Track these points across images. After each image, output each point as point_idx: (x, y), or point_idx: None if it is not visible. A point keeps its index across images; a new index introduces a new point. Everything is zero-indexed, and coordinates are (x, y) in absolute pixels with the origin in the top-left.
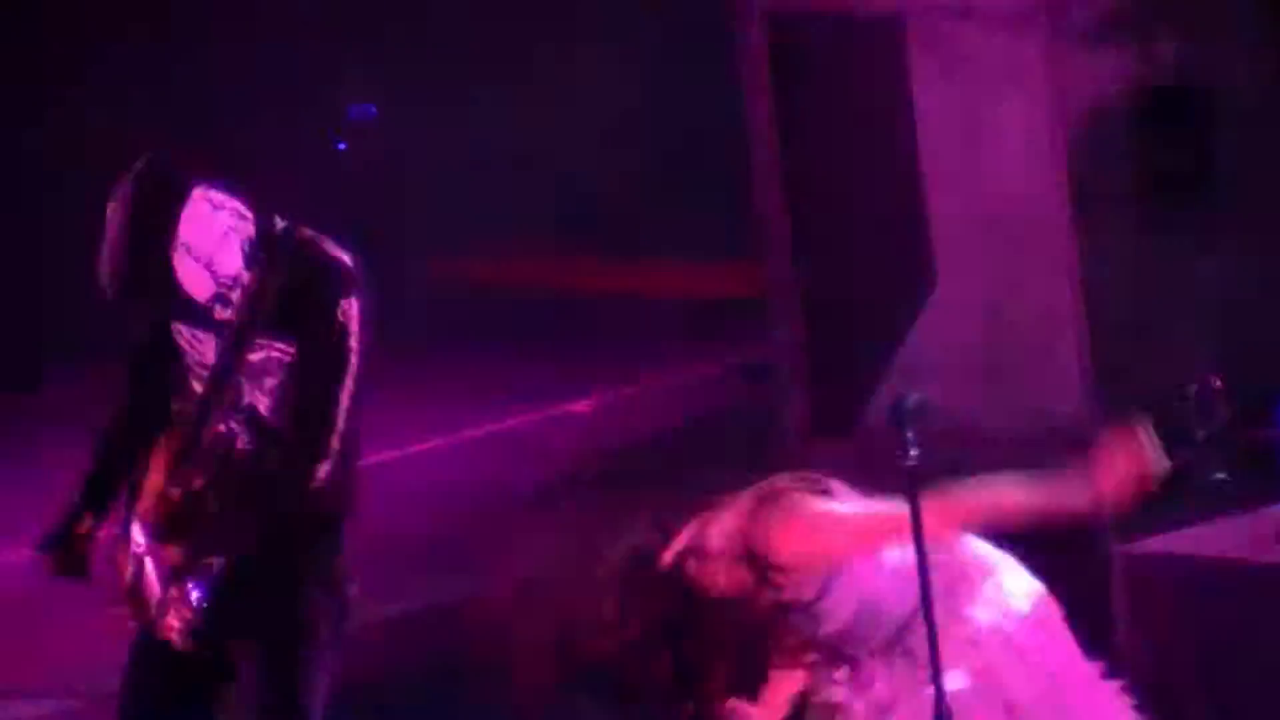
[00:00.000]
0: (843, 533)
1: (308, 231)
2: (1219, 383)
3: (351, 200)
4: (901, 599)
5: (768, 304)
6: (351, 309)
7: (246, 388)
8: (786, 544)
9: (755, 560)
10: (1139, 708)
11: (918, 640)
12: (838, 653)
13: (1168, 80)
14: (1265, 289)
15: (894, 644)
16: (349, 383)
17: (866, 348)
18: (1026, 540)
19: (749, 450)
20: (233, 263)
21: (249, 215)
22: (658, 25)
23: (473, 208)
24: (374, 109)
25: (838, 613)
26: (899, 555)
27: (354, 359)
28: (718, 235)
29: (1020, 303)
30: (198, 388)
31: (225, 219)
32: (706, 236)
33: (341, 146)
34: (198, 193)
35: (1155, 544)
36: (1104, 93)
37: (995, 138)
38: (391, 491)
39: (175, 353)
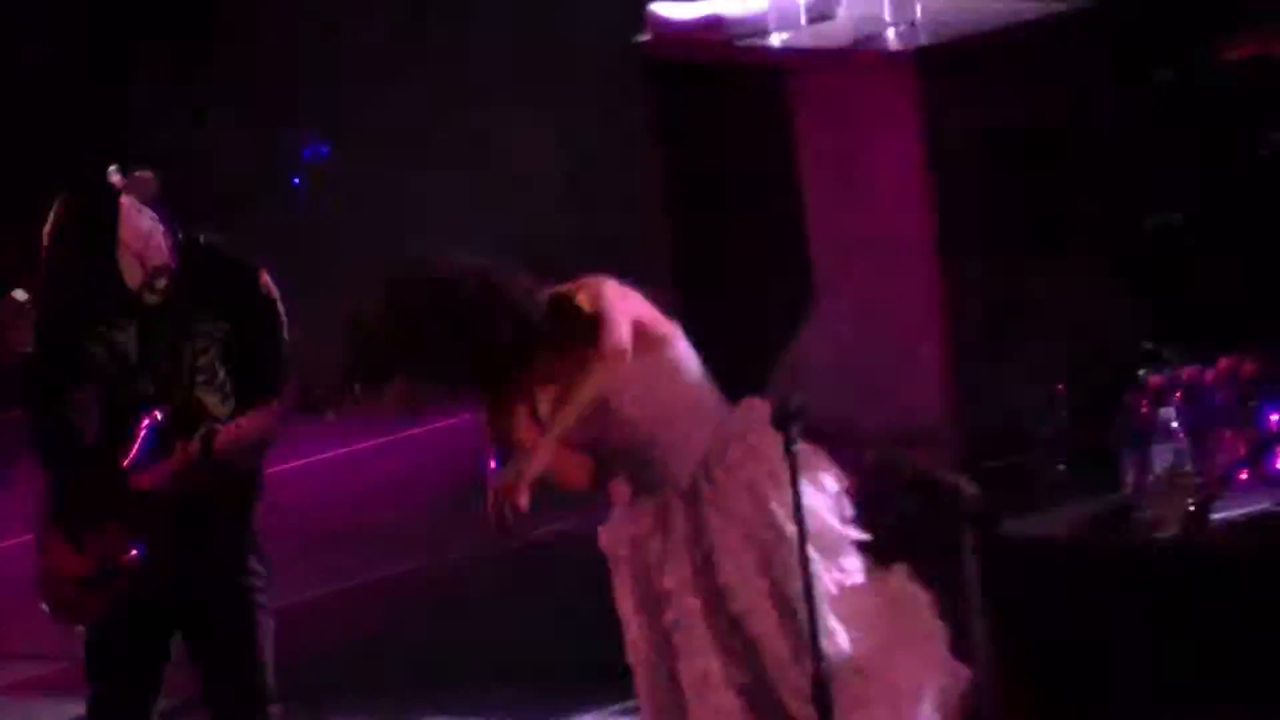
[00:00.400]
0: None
1: (213, 237)
2: (1061, 388)
3: (299, 235)
4: (696, 448)
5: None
6: (270, 283)
7: (187, 366)
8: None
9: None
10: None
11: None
12: (638, 458)
13: (1020, 122)
14: (1102, 307)
15: (697, 495)
16: (285, 343)
17: (757, 356)
18: (895, 522)
19: None
20: (159, 255)
21: (164, 221)
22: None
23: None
24: (326, 149)
25: (640, 422)
26: (714, 411)
27: (283, 322)
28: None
29: (889, 317)
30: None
31: (149, 218)
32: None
33: (295, 181)
34: (124, 200)
35: (1007, 526)
36: (965, 133)
37: (868, 174)
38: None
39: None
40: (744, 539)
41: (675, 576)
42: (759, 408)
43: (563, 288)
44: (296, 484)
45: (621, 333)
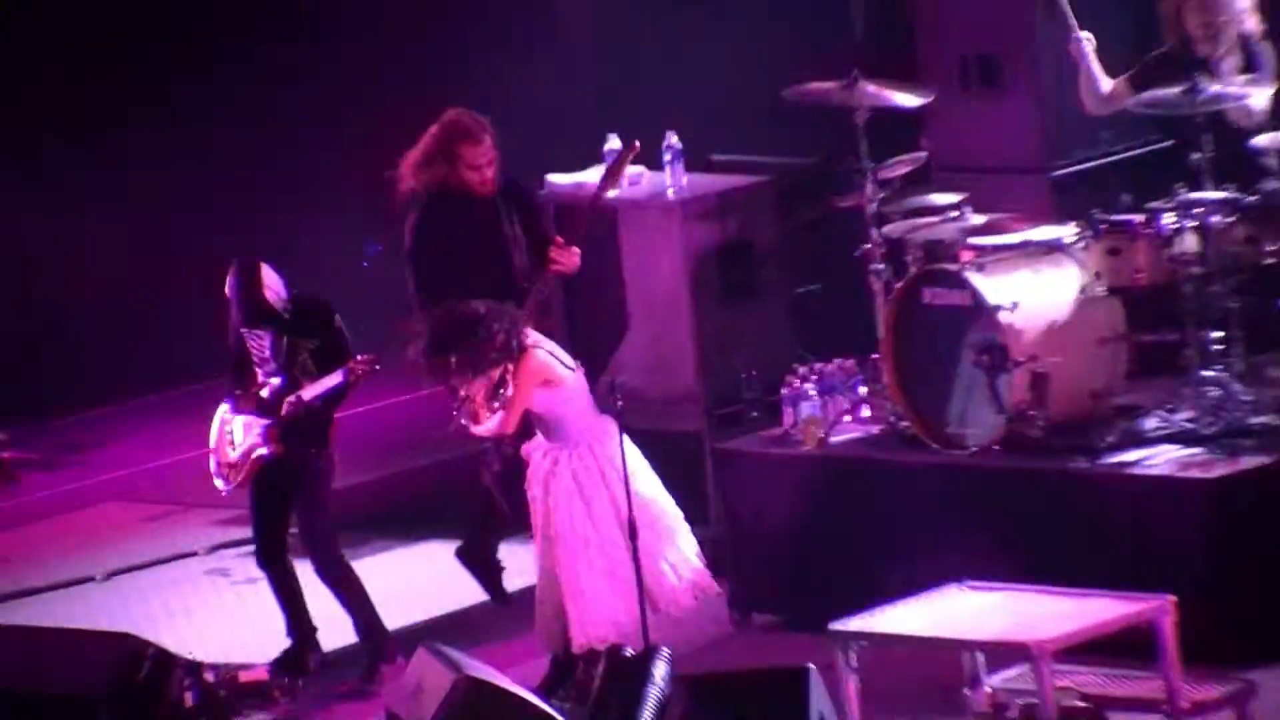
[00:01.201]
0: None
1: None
2: (755, 373)
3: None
4: (577, 428)
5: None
6: (338, 318)
7: (286, 359)
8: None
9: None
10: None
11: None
12: (546, 425)
13: (735, 238)
14: (780, 329)
15: (574, 454)
16: (345, 349)
17: (600, 357)
18: (649, 440)
19: None
20: (280, 294)
21: (279, 277)
22: None
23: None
24: (379, 247)
25: (545, 414)
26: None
27: (348, 344)
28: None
29: (670, 337)
30: (259, 369)
31: (273, 273)
32: None
33: (365, 264)
34: (264, 265)
35: (734, 444)
36: (704, 243)
37: (658, 264)
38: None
39: (245, 351)
40: (578, 490)
41: (562, 511)
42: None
43: (527, 344)
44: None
45: (510, 419)
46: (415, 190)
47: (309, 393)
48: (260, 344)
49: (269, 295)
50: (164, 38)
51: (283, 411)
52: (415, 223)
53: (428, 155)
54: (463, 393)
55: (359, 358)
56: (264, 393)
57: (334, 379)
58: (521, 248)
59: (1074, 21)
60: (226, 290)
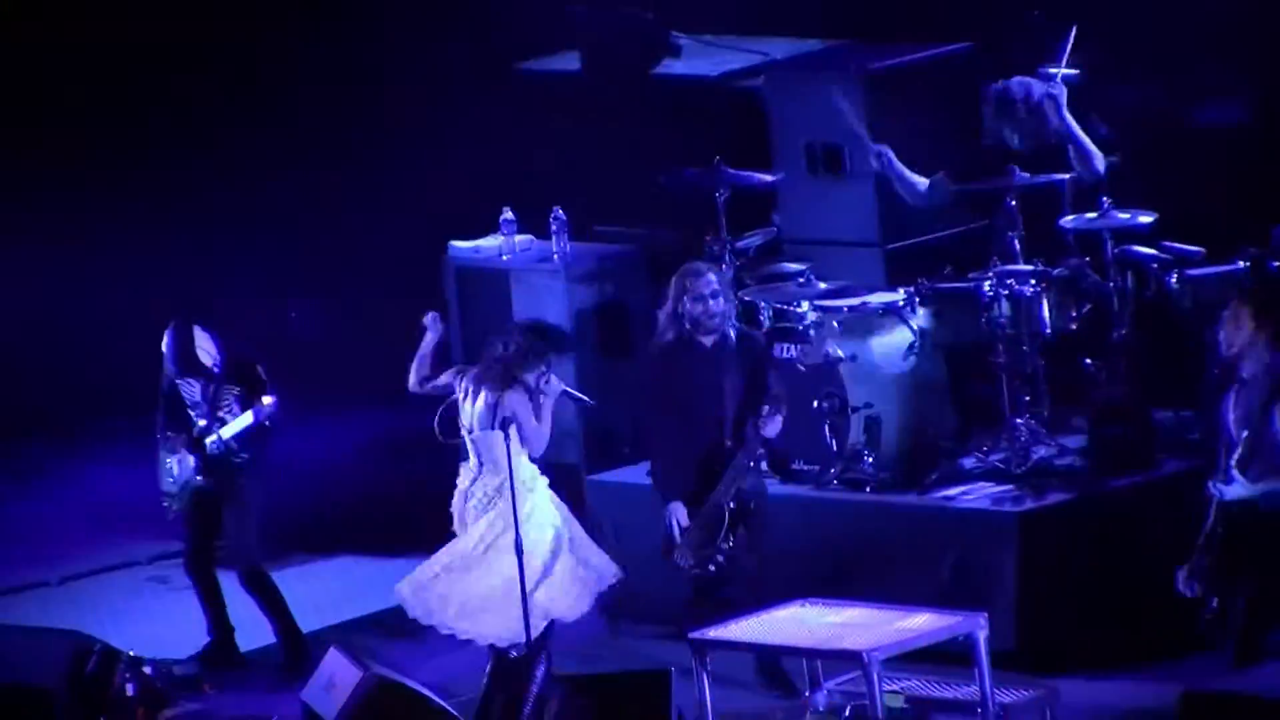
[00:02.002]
0: None
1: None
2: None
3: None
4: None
5: None
6: (261, 371)
7: (224, 406)
8: None
9: None
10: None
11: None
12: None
13: (612, 298)
14: (633, 378)
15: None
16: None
17: None
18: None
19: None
20: (211, 352)
21: (210, 337)
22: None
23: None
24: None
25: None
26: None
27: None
28: None
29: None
30: (191, 412)
31: (204, 334)
32: None
33: (293, 315)
34: (196, 328)
35: (609, 475)
36: (586, 303)
37: (545, 319)
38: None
39: (178, 395)
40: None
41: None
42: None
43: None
44: None
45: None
46: None
47: (227, 431)
48: (191, 390)
49: (201, 355)
50: (95, 83)
51: (208, 450)
52: None
53: None
54: None
55: (264, 399)
56: (195, 432)
57: (246, 419)
58: None
59: (870, 142)
60: (163, 345)
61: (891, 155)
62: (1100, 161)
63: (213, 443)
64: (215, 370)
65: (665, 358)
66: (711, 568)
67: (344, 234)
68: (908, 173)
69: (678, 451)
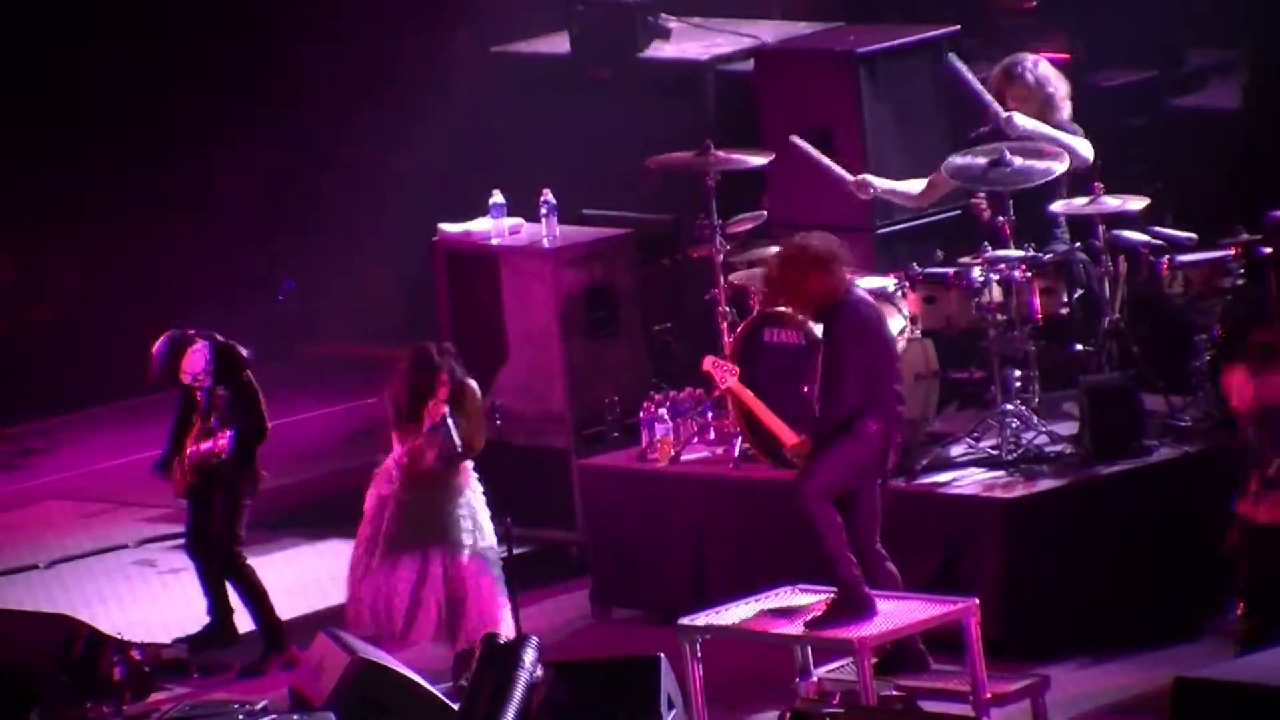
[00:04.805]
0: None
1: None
2: (616, 398)
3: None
4: None
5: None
6: (249, 374)
7: (216, 411)
8: None
9: None
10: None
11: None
12: None
13: (600, 281)
14: (639, 361)
15: None
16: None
17: (482, 383)
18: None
19: None
20: (196, 373)
21: (204, 357)
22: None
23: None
24: (293, 284)
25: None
26: None
27: (256, 399)
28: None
29: (543, 367)
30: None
31: (199, 355)
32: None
33: (280, 297)
34: (190, 350)
35: (597, 460)
36: (574, 286)
37: (533, 303)
38: None
39: (191, 396)
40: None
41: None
42: None
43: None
44: None
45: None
46: None
47: (204, 446)
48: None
49: (184, 378)
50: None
51: (187, 459)
52: None
53: None
54: None
55: (221, 439)
56: (189, 436)
57: (223, 439)
58: None
59: (844, 173)
60: (153, 350)
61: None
62: (1088, 148)
63: (192, 455)
64: (199, 385)
65: None
66: None
67: (335, 216)
68: (898, 186)
69: None
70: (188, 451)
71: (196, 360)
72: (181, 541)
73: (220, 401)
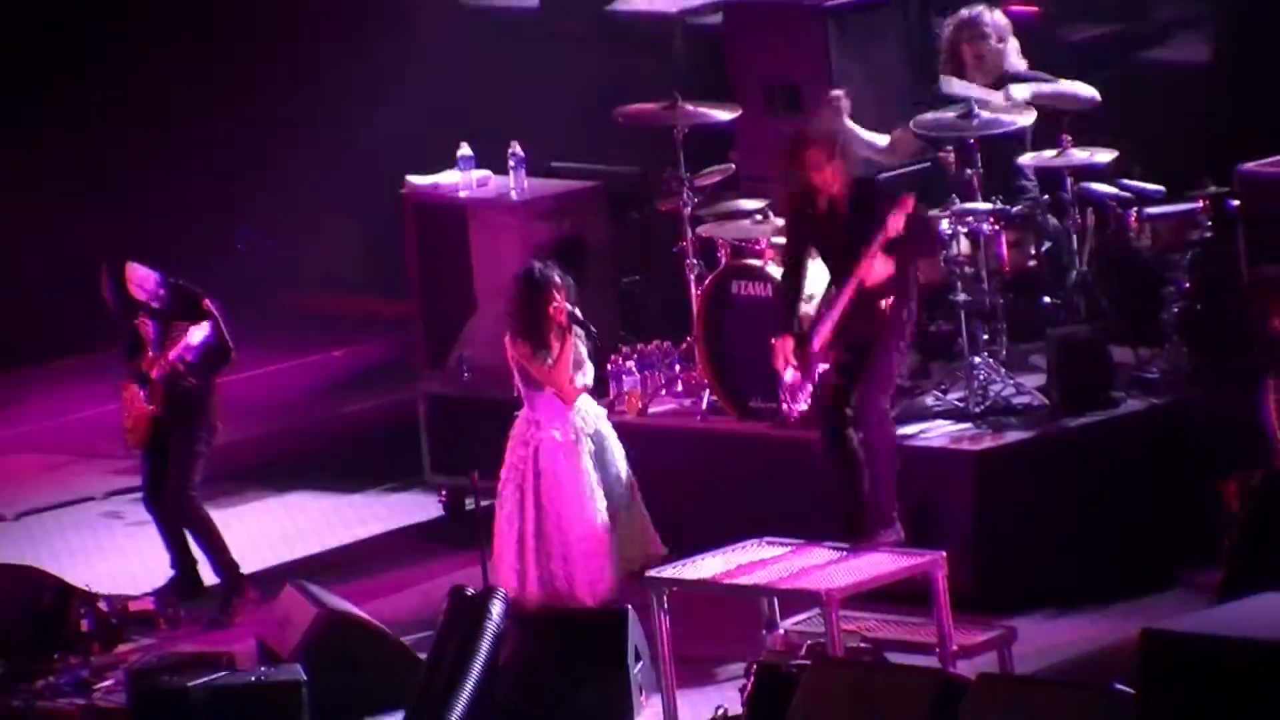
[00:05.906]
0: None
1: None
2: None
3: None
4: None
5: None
6: (209, 304)
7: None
8: None
9: None
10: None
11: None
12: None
13: (569, 234)
14: (610, 313)
15: None
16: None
17: (451, 335)
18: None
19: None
20: (147, 287)
21: (150, 271)
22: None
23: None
24: (250, 230)
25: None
26: None
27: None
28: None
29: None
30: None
31: (141, 269)
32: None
33: (240, 247)
34: (130, 264)
35: None
36: (543, 239)
37: (502, 256)
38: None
39: (137, 335)
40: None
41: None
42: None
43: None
44: None
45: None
46: None
47: (173, 352)
48: (146, 329)
49: (135, 291)
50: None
51: (154, 375)
52: None
53: None
54: None
55: (203, 324)
56: (144, 365)
57: (189, 338)
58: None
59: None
60: (102, 289)
61: (846, 106)
62: (1086, 89)
63: (159, 365)
64: (157, 306)
65: None
66: None
67: (302, 167)
68: (866, 134)
69: None
70: (154, 376)
71: (145, 276)
72: None
73: (178, 332)
